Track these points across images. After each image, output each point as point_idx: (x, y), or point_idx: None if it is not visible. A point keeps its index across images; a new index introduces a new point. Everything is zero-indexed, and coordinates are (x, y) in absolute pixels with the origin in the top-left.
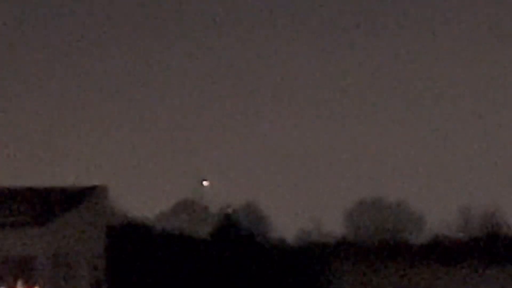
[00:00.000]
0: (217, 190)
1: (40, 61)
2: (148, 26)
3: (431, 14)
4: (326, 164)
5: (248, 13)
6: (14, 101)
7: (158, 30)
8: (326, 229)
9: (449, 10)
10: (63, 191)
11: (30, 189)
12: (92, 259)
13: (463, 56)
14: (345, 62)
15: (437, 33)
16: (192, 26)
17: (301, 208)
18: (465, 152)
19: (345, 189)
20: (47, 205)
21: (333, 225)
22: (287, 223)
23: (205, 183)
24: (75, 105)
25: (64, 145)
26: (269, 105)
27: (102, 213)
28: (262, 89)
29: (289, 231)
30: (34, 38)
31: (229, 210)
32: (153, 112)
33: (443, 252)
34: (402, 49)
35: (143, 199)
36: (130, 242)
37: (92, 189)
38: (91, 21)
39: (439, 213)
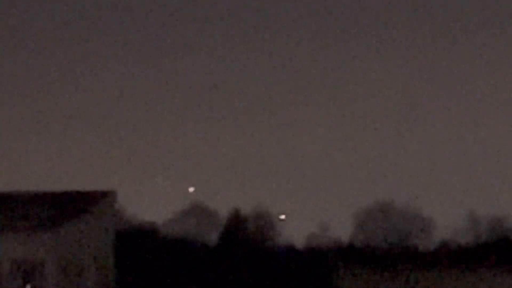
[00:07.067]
0: (226, 195)
1: (51, 66)
2: (158, 35)
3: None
4: (335, 169)
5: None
6: (24, 108)
7: (167, 40)
8: (334, 233)
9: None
10: (72, 196)
11: (39, 194)
12: (101, 264)
13: (474, 58)
14: (356, 67)
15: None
16: (207, 31)
17: (309, 213)
18: (473, 157)
19: (353, 194)
20: (56, 209)
21: (342, 230)
22: (296, 228)
23: (190, 189)
24: (85, 112)
25: (74, 151)
26: (279, 109)
27: (111, 218)
28: (273, 94)
29: (297, 236)
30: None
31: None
32: (162, 119)
33: (451, 257)
34: (416, 51)
35: (151, 204)
36: (139, 247)
37: (101, 194)
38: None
39: (448, 218)
